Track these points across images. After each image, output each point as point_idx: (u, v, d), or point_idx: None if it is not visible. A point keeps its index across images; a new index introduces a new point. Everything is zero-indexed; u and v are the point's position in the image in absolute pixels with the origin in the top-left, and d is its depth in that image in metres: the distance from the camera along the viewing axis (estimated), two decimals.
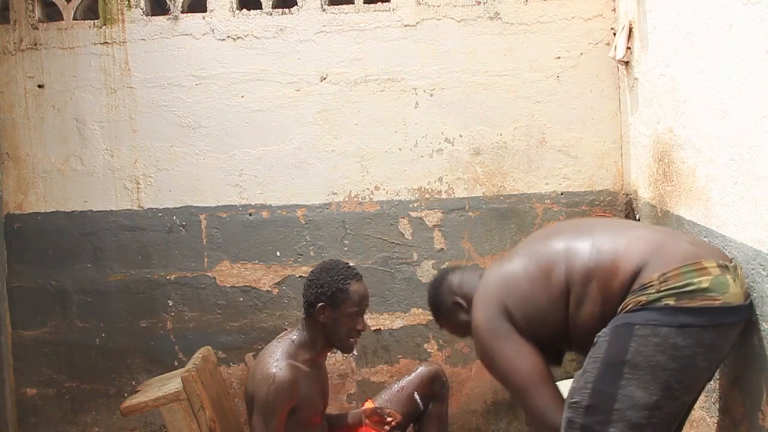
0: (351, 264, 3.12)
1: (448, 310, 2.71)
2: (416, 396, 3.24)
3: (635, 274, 2.12)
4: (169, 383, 2.95)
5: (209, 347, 3.31)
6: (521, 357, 2.29)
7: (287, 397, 2.85)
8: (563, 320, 2.29)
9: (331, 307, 2.98)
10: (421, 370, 3.32)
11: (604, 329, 2.14)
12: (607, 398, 2.07)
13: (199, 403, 2.84)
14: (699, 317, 2.03)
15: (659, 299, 2.04)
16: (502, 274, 2.41)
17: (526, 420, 2.36)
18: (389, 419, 3.13)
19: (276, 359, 2.91)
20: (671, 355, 2.02)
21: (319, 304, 2.98)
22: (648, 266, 2.11)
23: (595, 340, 2.14)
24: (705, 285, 2.03)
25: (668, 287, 2.04)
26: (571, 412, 2.14)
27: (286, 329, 3.24)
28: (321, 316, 2.99)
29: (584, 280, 2.22)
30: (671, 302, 2.03)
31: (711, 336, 2.05)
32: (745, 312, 2.11)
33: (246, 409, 3.02)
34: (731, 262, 2.15)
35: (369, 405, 3.20)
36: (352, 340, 3.05)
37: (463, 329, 2.65)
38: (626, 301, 2.12)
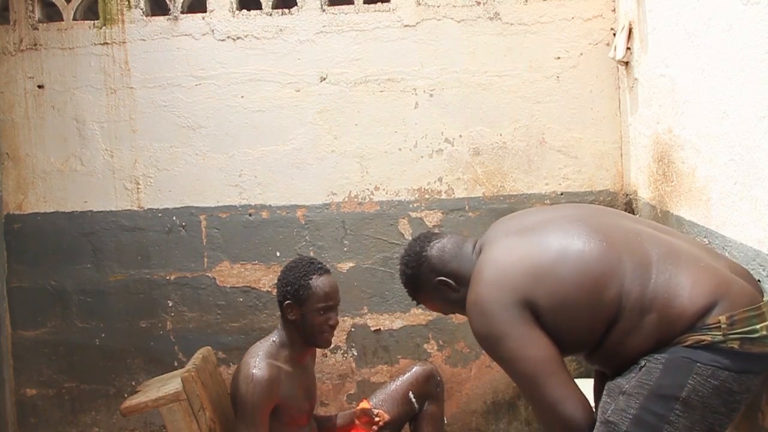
0: (316, 259, 3.14)
1: (432, 289, 2.49)
2: (411, 395, 3.24)
3: (702, 315, 2.01)
4: (169, 383, 2.94)
5: (209, 347, 3.30)
6: (533, 343, 2.12)
7: (268, 397, 2.86)
8: (597, 341, 2.16)
9: (298, 305, 3.00)
10: (416, 369, 3.31)
11: (654, 354, 2.06)
12: (650, 430, 2.01)
13: (199, 403, 2.84)
14: (757, 364, 2.01)
15: (725, 341, 1.98)
16: (533, 261, 2.19)
17: (536, 415, 2.20)
18: (377, 419, 3.13)
19: (256, 360, 2.92)
20: (725, 400, 1.99)
21: (286, 302, 3.01)
22: (716, 308, 2.01)
23: (642, 363, 2.07)
24: (765, 332, 2.00)
25: (734, 330, 1.98)
26: (606, 430, 2.07)
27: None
28: (290, 314, 3.01)
29: (641, 311, 2.07)
30: (735, 346, 1.98)
31: (758, 382, 2.05)
32: None
33: (231, 403, 3.03)
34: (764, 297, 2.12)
35: (365, 404, 3.19)
36: (325, 335, 3.04)
37: (450, 307, 2.51)
38: (686, 335, 2.03)
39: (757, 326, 1.99)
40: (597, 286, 2.10)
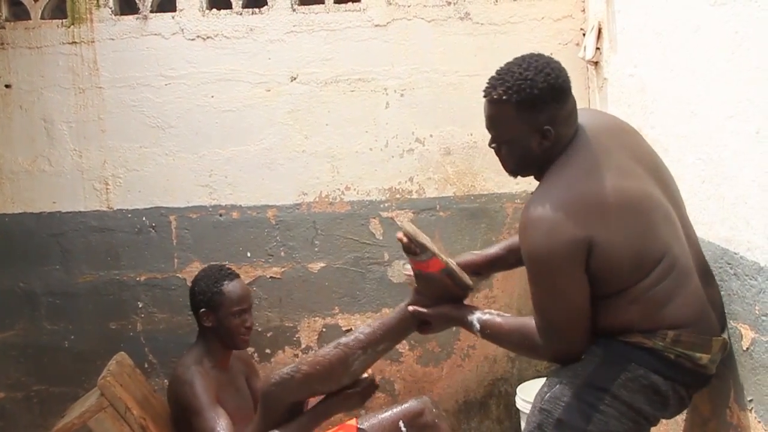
0: (225, 265, 3.29)
1: (533, 121, 2.11)
2: (401, 425, 3.20)
3: (663, 329, 2.07)
4: (90, 398, 2.97)
5: (123, 353, 3.31)
6: (580, 288, 2.05)
7: (211, 388, 2.99)
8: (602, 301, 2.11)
9: (213, 311, 3.13)
10: (410, 403, 3.25)
11: (593, 347, 2.13)
12: (582, 417, 2.07)
13: (123, 405, 2.85)
14: (687, 377, 2.10)
15: (663, 351, 2.06)
16: (613, 200, 2.04)
17: (543, 333, 2.15)
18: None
19: (186, 369, 3.04)
20: (650, 399, 2.08)
21: (201, 311, 3.14)
22: (677, 329, 2.06)
23: (582, 355, 2.14)
24: (703, 362, 2.08)
25: (675, 348, 2.05)
26: (541, 418, 2.14)
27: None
28: (206, 322, 3.14)
29: (635, 299, 2.08)
30: (671, 356, 2.06)
31: (684, 394, 2.13)
32: (710, 379, 2.18)
33: (171, 416, 3.13)
34: (725, 329, 2.18)
35: (352, 423, 3.15)
36: (242, 337, 3.16)
37: (518, 151, 2.19)
38: (632, 334, 2.09)
39: (697, 354, 2.07)
40: (644, 256, 2.05)
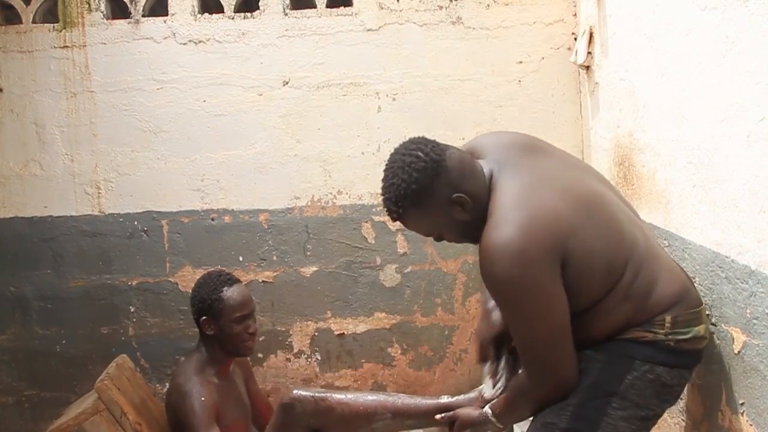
0: (225, 271, 3.24)
1: (440, 205, 2.12)
2: None
3: (660, 314, 2.06)
4: (87, 400, 2.97)
5: (124, 355, 3.31)
6: (558, 304, 1.99)
7: (210, 406, 2.95)
8: (578, 313, 2.06)
9: (214, 319, 3.08)
10: None
11: (591, 353, 2.10)
12: (590, 424, 2.05)
13: (119, 410, 2.86)
14: (688, 359, 2.11)
15: (664, 340, 2.05)
16: (570, 210, 2.03)
17: (530, 369, 2.11)
18: None
19: (187, 379, 3.01)
20: (658, 393, 2.07)
21: (202, 319, 3.09)
22: (670, 310, 2.06)
23: (581, 365, 2.09)
24: (702, 333, 2.09)
25: (675, 330, 2.05)
26: (545, 431, 2.11)
27: None
28: (208, 330, 3.09)
29: (624, 297, 2.06)
30: (672, 343, 2.05)
31: (688, 375, 2.14)
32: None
33: (169, 426, 3.11)
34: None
35: None
36: (246, 343, 3.12)
37: (448, 231, 2.21)
38: (630, 330, 2.08)
39: (695, 328, 2.07)
40: (616, 253, 2.05)
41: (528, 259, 1.95)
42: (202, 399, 2.94)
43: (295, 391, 2.89)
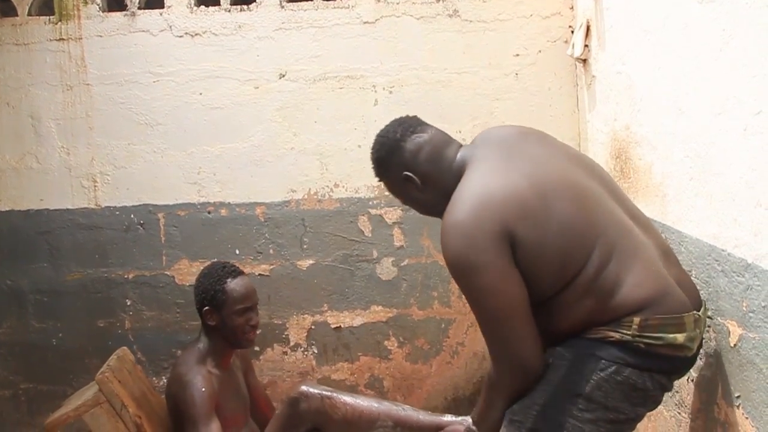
0: (229, 262, 3.21)
1: (396, 179, 2.37)
2: None
3: (625, 316, 2.02)
4: (88, 392, 2.97)
5: (125, 348, 3.31)
6: (511, 278, 2.02)
7: (210, 396, 2.95)
8: (538, 303, 2.07)
9: (217, 310, 3.08)
10: None
11: (561, 350, 2.09)
12: (555, 425, 2.04)
13: (119, 402, 2.85)
14: (664, 363, 2.04)
15: (632, 341, 2.00)
16: (525, 193, 2.06)
17: (491, 350, 2.13)
18: None
19: (188, 369, 3.01)
20: (627, 395, 2.03)
21: (205, 309, 3.09)
22: (640, 313, 2.01)
23: (550, 360, 2.08)
24: (680, 341, 2.02)
25: (644, 334, 2.00)
26: (511, 429, 2.10)
27: None
28: (210, 320, 3.09)
29: (585, 292, 2.04)
30: (641, 345, 2.00)
31: (665, 381, 2.08)
32: (694, 360, 2.14)
33: (170, 416, 3.11)
34: (702, 308, 2.12)
35: None
36: (247, 335, 3.12)
37: (410, 203, 2.44)
38: (597, 329, 2.04)
39: (669, 335, 2.01)
40: (574, 245, 2.04)
41: (473, 236, 2.03)
42: (203, 390, 2.94)
43: (303, 387, 2.91)
